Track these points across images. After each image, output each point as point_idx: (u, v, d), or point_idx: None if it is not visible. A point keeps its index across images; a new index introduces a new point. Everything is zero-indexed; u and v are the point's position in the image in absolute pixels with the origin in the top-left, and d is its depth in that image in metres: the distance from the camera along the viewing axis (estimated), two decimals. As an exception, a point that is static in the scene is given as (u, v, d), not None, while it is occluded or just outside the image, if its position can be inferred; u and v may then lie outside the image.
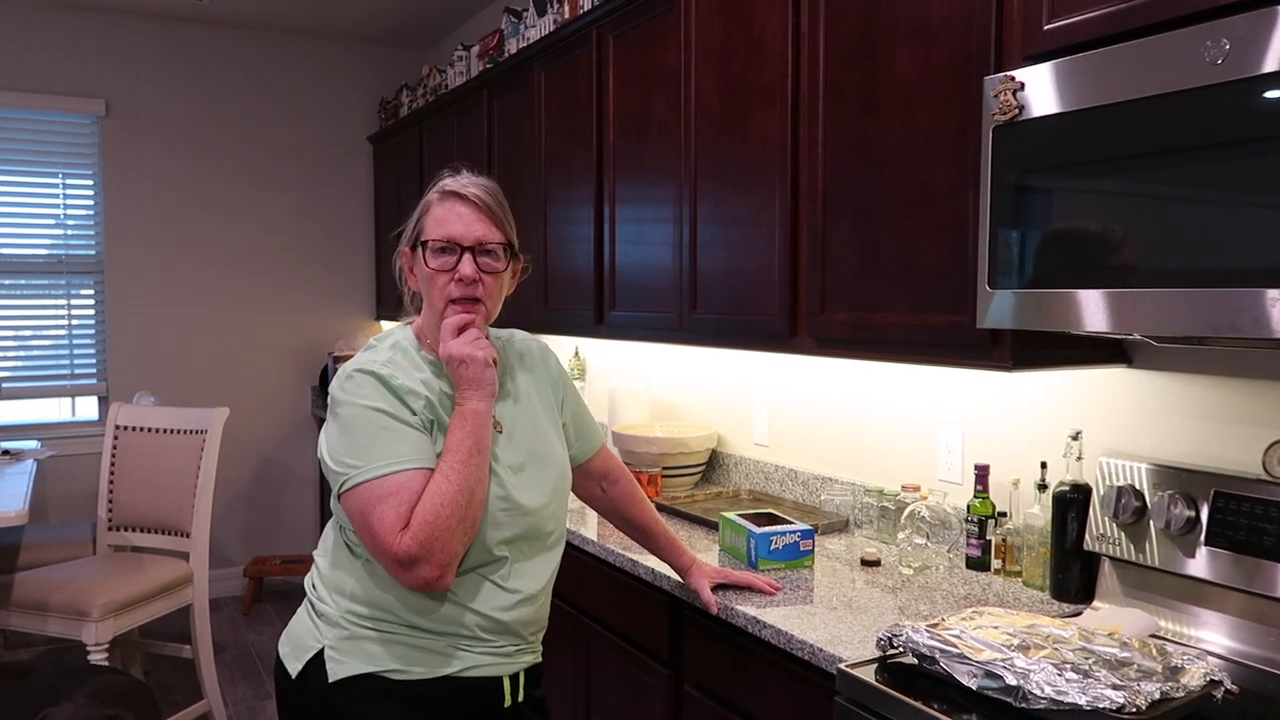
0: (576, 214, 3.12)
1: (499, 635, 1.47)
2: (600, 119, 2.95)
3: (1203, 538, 1.60)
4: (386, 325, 5.36)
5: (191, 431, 3.37)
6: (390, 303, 5.02)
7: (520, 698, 1.53)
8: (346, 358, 4.81)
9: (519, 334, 1.69)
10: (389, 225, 5.00)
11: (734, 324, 2.38)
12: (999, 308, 1.59)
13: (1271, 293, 1.21)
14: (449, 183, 1.51)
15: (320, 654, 1.42)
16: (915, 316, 1.86)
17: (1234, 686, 1.39)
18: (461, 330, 1.42)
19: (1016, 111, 1.55)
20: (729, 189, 2.36)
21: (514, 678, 1.51)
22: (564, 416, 1.68)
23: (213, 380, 4.89)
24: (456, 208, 1.47)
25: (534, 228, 3.40)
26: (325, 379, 4.95)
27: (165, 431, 3.41)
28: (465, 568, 1.42)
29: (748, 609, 1.78)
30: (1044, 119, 1.51)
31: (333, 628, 1.43)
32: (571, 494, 1.69)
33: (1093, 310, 1.44)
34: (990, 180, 1.60)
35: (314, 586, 1.52)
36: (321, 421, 4.96)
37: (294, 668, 1.45)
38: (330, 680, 1.41)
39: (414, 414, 1.40)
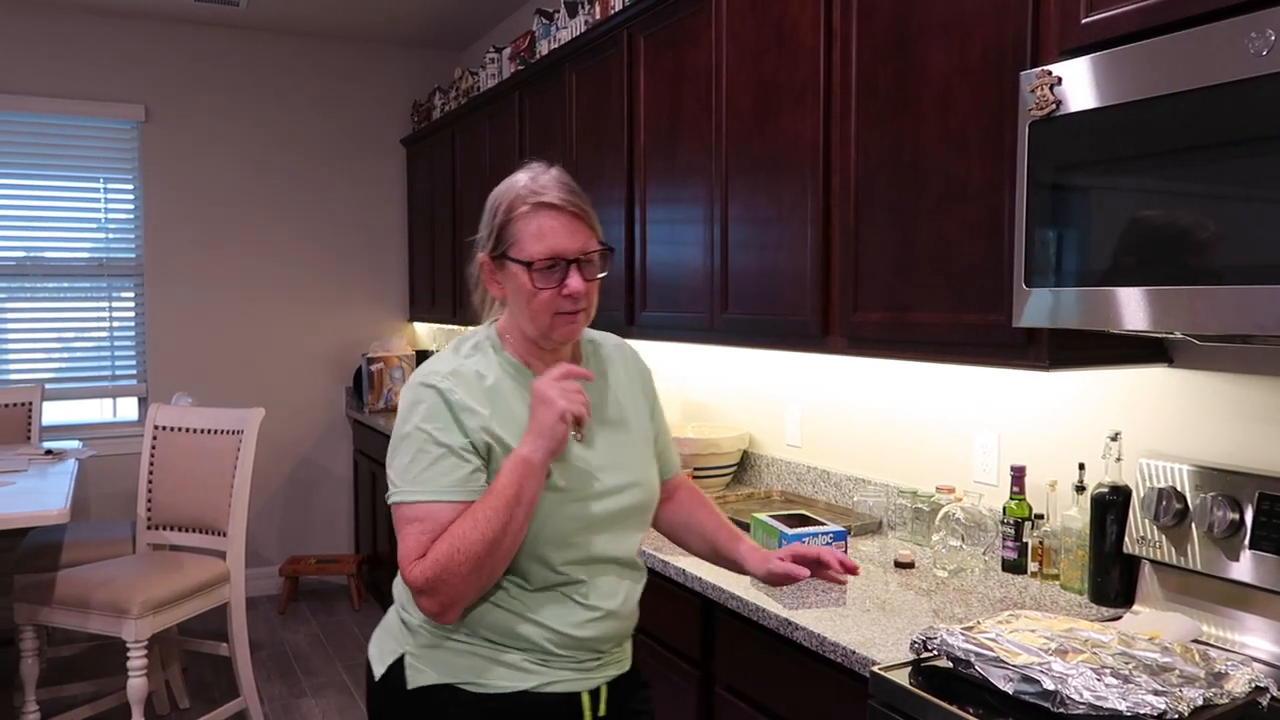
0: (607, 214, 3.11)
1: (576, 650, 1.41)
2: (631, 120, 2.95)
3: (1247, 541, 1.57)
4: (419, 327, 5.41)
5: (228, 432, 3.41)
6: (424, 305, 5.06)
7: (602, 711, 1.46)
8: (380, 359, 4.86)
9: (611, 338, 1.62)
10: (422, 227, 5.04)
11: (766, 324, 2.36)
12: (1036, 306, 1.57)
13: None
14: (536, 189, 1.40)
15: (401, 659, 1.43)
16: (950, 316, 1.84)
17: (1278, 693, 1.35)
18: (565, 376, 1.33)
19: (1053, 107, 1.53)
20: (760, 189, 2.35)
21: (595, 692, 1.45)
22: (653, 427, 1.59)
23: (249, 381, 4.95)
24: (553, 219, 1.37)
25: (565, 229, 3.40)
26: (359, 380, 5.00)
27: (202, 432, 3.45)
28: (540, 585, 1.38)
29: (778, 610, 1.76)
30: (1081, 114, 1.48)
31: (414, 635, 1.43)
32: None
33: (1133, 308, 1.41)
34: (1026, 177, 1.58)
35: (399, 592, 1.49)
36: (355, 423, 5.03)
37: (378, 670, 1.46)
38: (409, 687, 1.41)
39: (465, 434, 1.35)
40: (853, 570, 1.49)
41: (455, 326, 4.98)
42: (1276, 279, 1.23)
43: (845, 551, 2.05)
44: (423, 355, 5.04)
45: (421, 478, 1.33)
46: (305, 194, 5.06)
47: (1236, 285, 1.28)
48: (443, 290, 4.73)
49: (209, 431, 3.44)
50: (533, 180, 1.42)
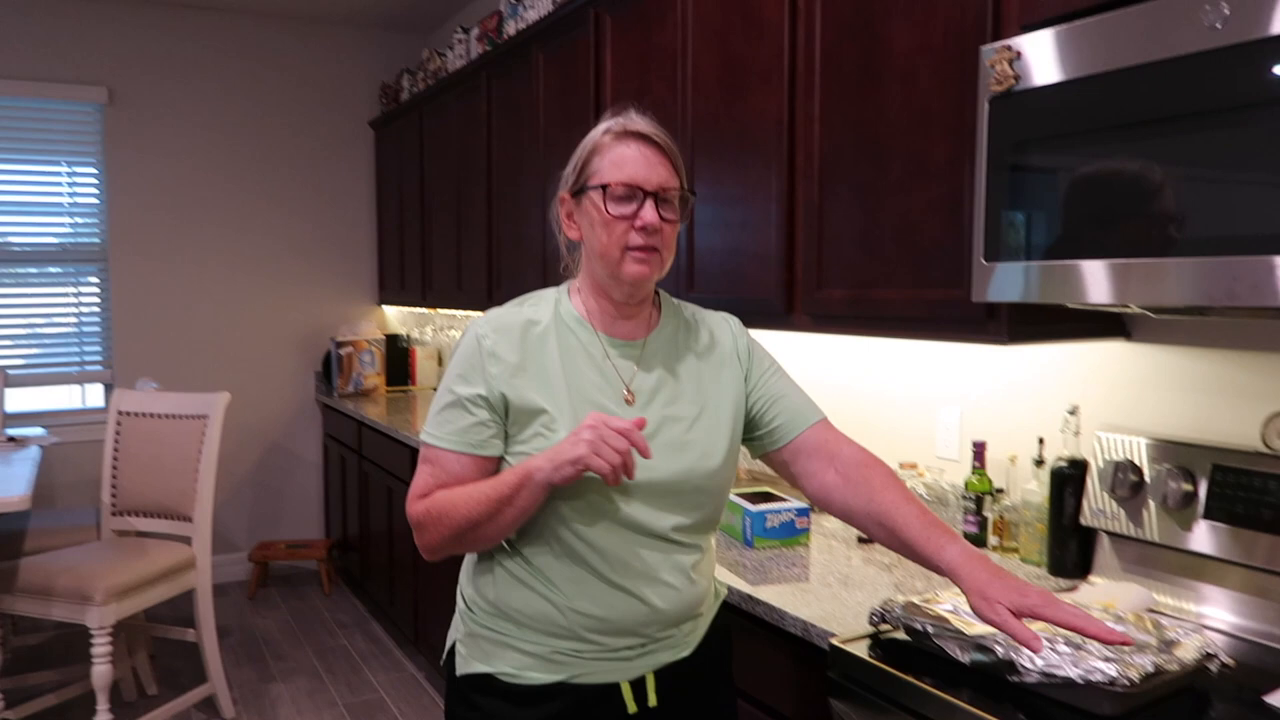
0: (575, 195, 3.09)
1: (613, 636, 1.34)
2: (599, 100, 2.93)
3: (1201, 511, 1.59)
4: (389, 310, 5.37)
5: (193, 416, 3.38)
6: (393, 288, 5.03)
7: (652, 702, 1.38)
8: (349, 343, 4.82)
9: (694, 307, 1.54)
10: (391, 210, 4.99)
11: (731, 303, 2.36)
12: (996, 281, 1.57)
13: (1273, 260, 1.19)
14: (623, 121, 1.37)
15: (455, 646, 1.46)
16: (912, 292, 1.85)
17: (1230, 660, 1.37)
18: (622, 431, 1.22)
19: (1013, 81, 1.53)
20: (726, 167, 2.34)
21: (638, 682, 1.38)
22: (748, 393, 1.47)
23: (217, 366, 4.90)
24: (635, 149, 1.34)
25: (534, 210, 3.39)
26: (329, 364, 4.96)
27: (167, 417, 3.41)
28: (565, 555, 1.34)
29: (741, 585, 1.77)
30: (1041, 89, 1.49)
31: (464, 624, 1.45)
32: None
33: (1090, 282, 1.42)
34: (986, 152, 1.58)
35: (461, 577, 1.50)
36: (325, 408, 4.99)
37: (445, 654, 1.50)
38: (457, 674, 1.44)
39: (484, 384, 1.34)
40: (1121, 641, 1.16)
41: (425, 310, 4.95)
42: (1229, 250, 1.24)
43: (809, 527, 2.06)
44: (392, 339, 5.01)
45: (436, 420, 1.38)
46: (273, 177, 5.00)
47: (1193, 257, 1.29)
48: (412, 273, 4.70)
49: (173, 417, 3.41)
50: (628, 118, 1.39)
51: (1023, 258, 1.52)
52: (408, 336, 5.10)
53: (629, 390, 1.39)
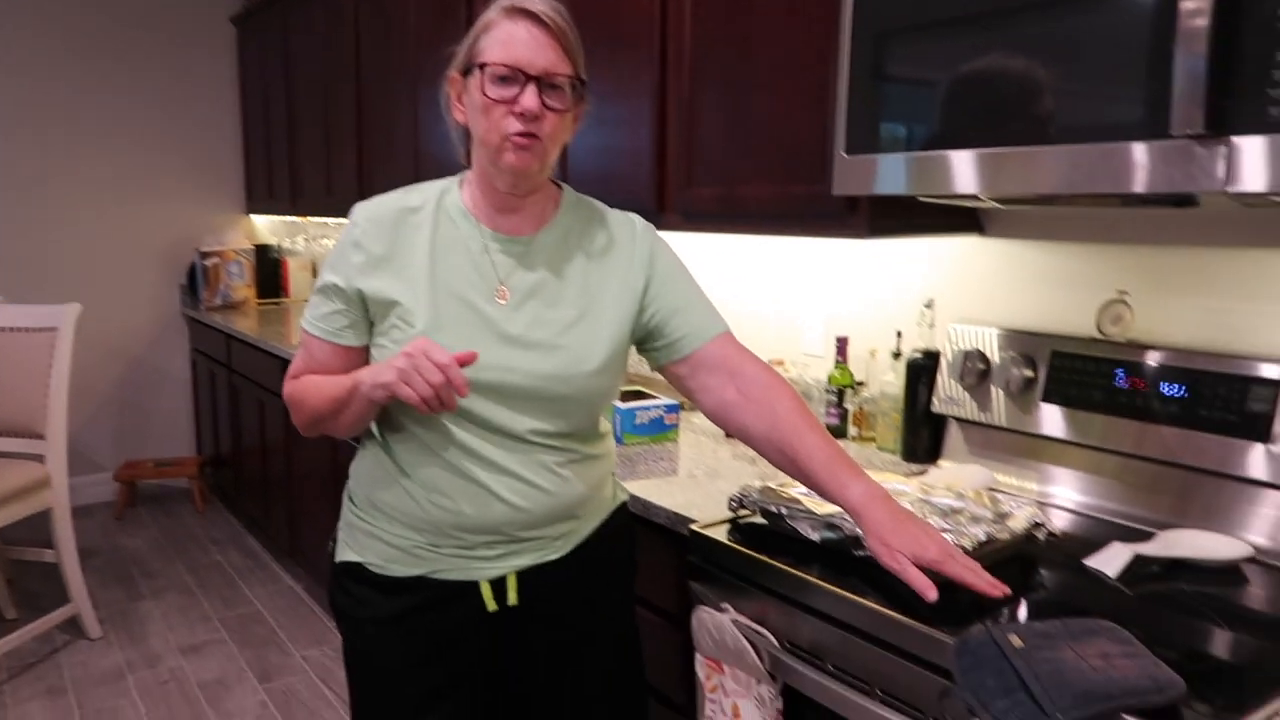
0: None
1: (473, 534, 1.32)
2: (467, -10, 2.80)
3: (1040, 396, 1.67)
4: (258, 220, 5.13)
5: (40, 330, 3.17)
6: (261, 195, 4.79)
7: (512, 601, 1.36)
8: (215, 254, 4.60)
9: (601, 206, 1.44)
10: (256, 113, 4.73)
11: (604, 201, 2.33)
12: (855, 174, 1.59)
13: (1127, 146, 1.22)
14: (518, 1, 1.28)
15: (338, 533, 1.47)
16: (778, 188, 1.85)
17: (1055, 529, 1.47)
18: (442, 364, 1.17)
19: (872, -31, 1.52)
20: (599, 63, 2.28)
21: (499, 582, 1.35)
22: (645, 303, 1.39)
23: (71, 280, 4.60)
24: (524, 28, 1.25)
25: (405, 112, 3.25)
26: (194, 277, 4.72)
27: (11, 330, 3.20)
28: (424, 451, 1.32)
29: (609, 480, 1.79)
30: (897, -24, 1.48)
31: (345, 513, 1.46)
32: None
33: (947, 172, 1.44)
34: (850, 44, 1.58)
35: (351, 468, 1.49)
36: (192, 321, 4.77)
37: (332, 540, 1.49)
38: (335, 560, 1.44)
39: (345, 272, 1.32)
40: (1002, 593, 1.18)
41: (296, 219, 4.75)
42: (1083, 138, 1.27)
43: (678, 424, 2.09)
44: (262, 249, 4.79)
45: (310, 303, 1.38)
46: (126, 78, 4.64)
47: (1045, 145, 1.31)
48: (280, 180, 4.48)
49: (18, 330, 3.19)
50: None
51: (882, 150, 1.54)
52: (279, 247, 4.89)
53: (503, 287, 1.33)
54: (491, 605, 1.35)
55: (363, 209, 1.35)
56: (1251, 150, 1.09)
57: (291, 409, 1.40)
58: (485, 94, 1.25)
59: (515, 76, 1.25)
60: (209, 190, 4.94)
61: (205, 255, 4.59)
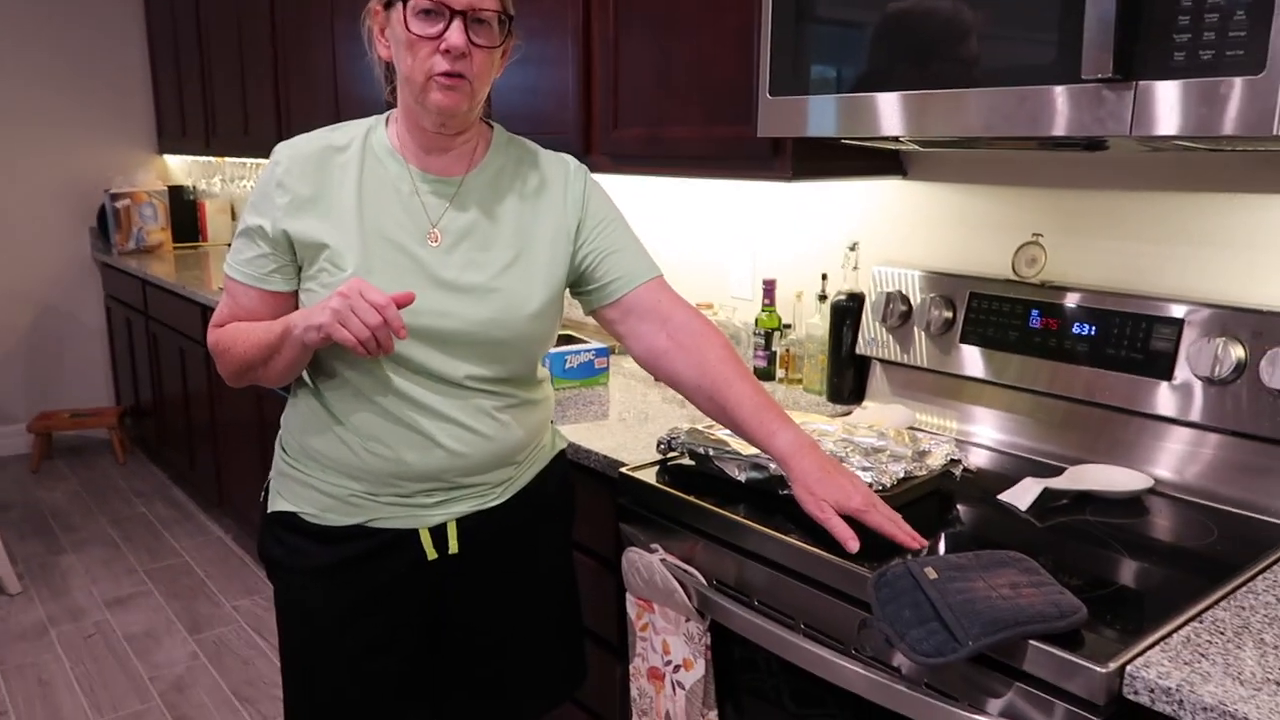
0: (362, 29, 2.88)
1: (411, 481, 1.31)
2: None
3: (958, 337, 1.72)
4: (172, 160, 4.94)
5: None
6: (173, 135, 4.59)
7: (453, 549, 1.35)
8: (126, 195, 4.42)
9: (533, 146, 1.41)
10: (165, 48, 4.51)
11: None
12: (779, 116, 1.59)
13: (1041, 90, 1.24)
14: None
15: (270, 483, 1.43)
16: (704, 130, 1.85)
17: (972, 465, 1.52)
18: (379, 304, 1.14)
19: (797, -93, 1.50)
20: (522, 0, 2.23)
21: (439, 529, 1.34)
22: (578, 245, 1.38)
23: (-30, 222, 4.39)
24: None
25: (323, 44, 3.14)
26: (104, 219, 4.53)
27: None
28: (359, 398, 1.29)
29: (539, 425, 1.79)
30: (822, -85, 1.47)
31: (278, 461, 1.42)
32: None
33: (868, 114, 1.45)
34: (773, -17, 1.56)
35: (283, 418, 1.45)
36: (104, 267, 4.59)
37: (263, 490, 1.46)
38: (269, 510, 1.41)
39: (270, 214, 1.27)
40: (920, 545, 1.23)
41: (212, 159, 4.58)
42: (1002, 81, 1.28)
43: (608, 368, 2.10)
44: (177, 191, 4.62)
45: (233, 247, 1.34)
46: (21, 11, 4.38)
47: (965, 88, 1.32)
48: (194, 118, 4.30)
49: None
50: None
51: (807, 92, 1.54)
52: (194, 188, 4.71)
53: (435, 229, 1.30)
54: (432, 553, 1.35)
55: (285, 148, 1.30)
56: (1156, 95, 1.12)
57: (217, 358, 1.36)
58: (409, 29, 1.21)
59: (440, 11, 1.20)
60: (117, 129, 4.72)
61: (115, 197, 4.40)
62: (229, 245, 4.68)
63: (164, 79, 4.60)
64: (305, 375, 1.36)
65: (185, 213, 4.65)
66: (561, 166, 1.41)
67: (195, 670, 2.73)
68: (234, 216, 4.77)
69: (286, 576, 1.38)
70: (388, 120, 1.35)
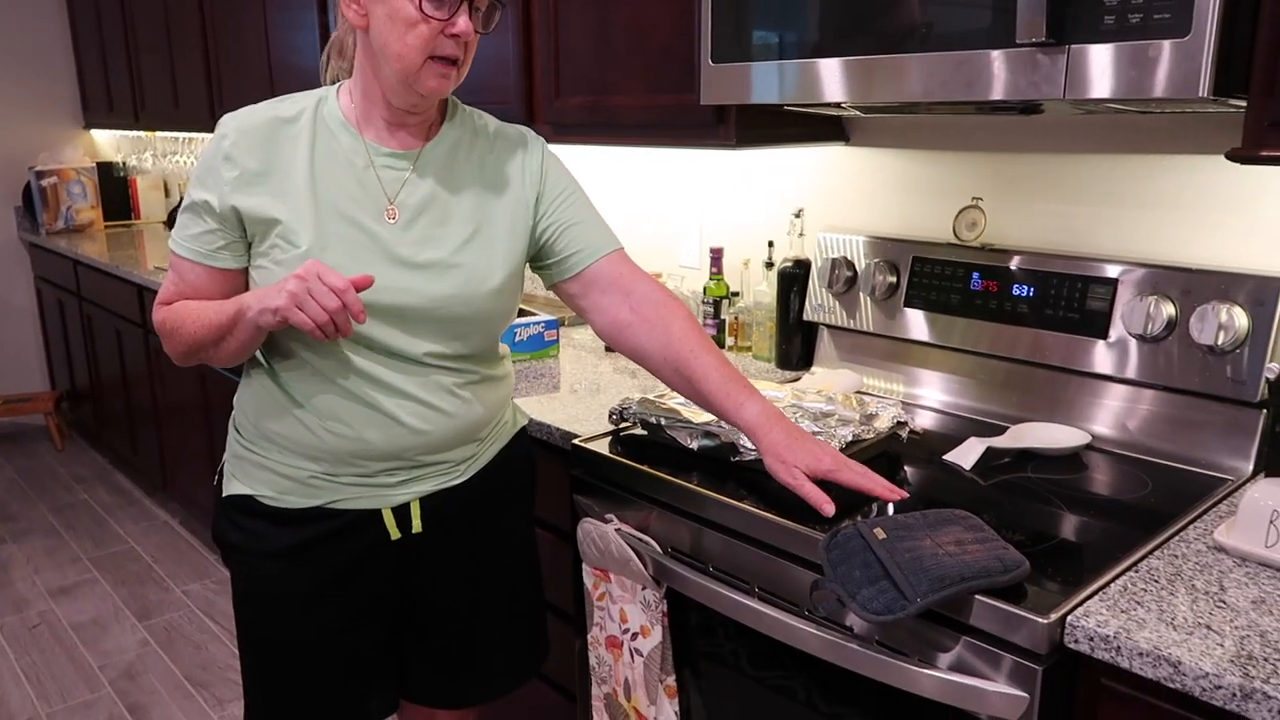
0: (298, -3, 2.81)
1: (373, 461, 1.29)
2: (314, -116, 2.62)
3: (903, 301, 1.74)
4: (99, 135, 4.78)
5: None
6: (99, 109, 4.44)
7: (417, 528, 1.35)
8: (53, 173, 4.27)
9: (489, 118, 1.40)
10: (87, 16, 4.34)
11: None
12: (721, 83, 1.59)
13: (977, 54, 1.25)
14: None
15: (224, 465, 1.40)
16: (647, 98, 1.84)
17: (918, 427, 1.55)
18: (337, 289, 1.12)
19: (735, -128, 1.49)
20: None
21: (402, 509, 1.33)
22: (538, 219, 1.36)
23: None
24: None
25: (253, 16, 3.05)
26: (29, 197, 4.37)
27: None
28: (316, 377, 1.27)
29: (490, 399, 1.79)
30: (761, -120, 1.46)
31: (232, 444, 1.38)
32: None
33: (810, 81, 1.46)
34: (713, -51, 1.55)
35: (235, 399, 1.41)
36: (32, 247, 4.44)
37: (216, 473, 1.42)
38: (224, 494, 1.37)
39: (218, 188, 1.23)
40: (899, 496, 1.25)
41: (142, 134, 4.44)
42: (940, 46, 1.29)
43: (558, 339, 2.09)
44: (106, 168, 4.47)
45: (178, 223, 1.29)
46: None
47: (904, 54, 1.33)
48: (121, 91, 4.16)
49: None
50: None
51: (748, 59, 1.54)
52: (124, 164, 4.57)
53: (392, 205, 1.27)
54: (395, 533, 1.34)
55: (232, 120, 1.26)
56: (1088, 58, 1.15)
57: (164, 338, 1.32)
58: (421, 10, 1.17)
59: None
60: (39, 104, 4.55)
61: (42, 175, 4.26)
62: (163, 223, 4.57)
63: (87, 51, 4.44)
64: (259, 355, 1.33)
65: (116, 190, 4.51)
66: (519, 138, 1.39)
67: (146, 657, 2.69)
68: (167, 193, 4.64)
69: (245, 560, 1.36)
70: (339, 91, 1.31)
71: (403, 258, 1.26)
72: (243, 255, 1.28)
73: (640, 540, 1.42)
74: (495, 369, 1.39)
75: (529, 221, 1.36)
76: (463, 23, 1.19)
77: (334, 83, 1.35)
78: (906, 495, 1.27)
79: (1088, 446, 1.50)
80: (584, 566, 1.51)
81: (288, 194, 1.24)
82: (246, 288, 1.28)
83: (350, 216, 1.25)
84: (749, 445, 1.37)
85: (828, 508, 1.22)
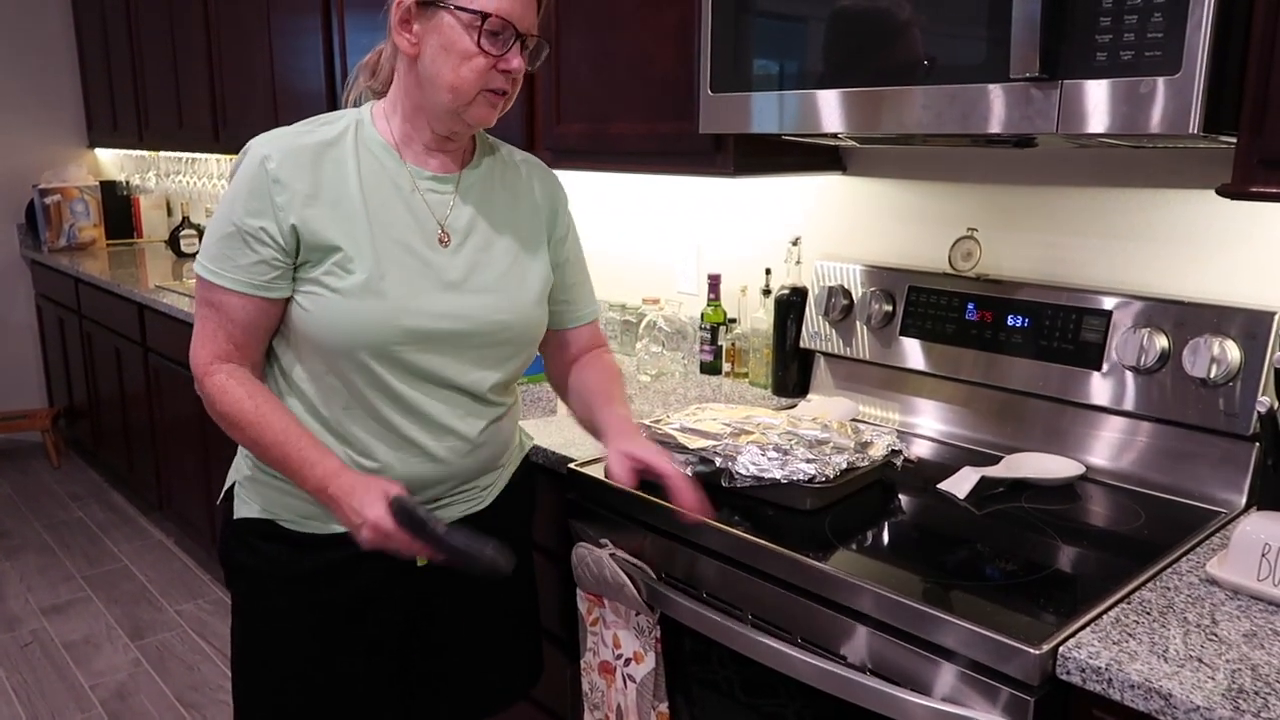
0: (303, 23, 2.84)
1: (410, 492, 1.28)
2: (322, -88, 2.66)
3: (899, 330, 1.75)
4: (103, 154, 4.81)
5: None
6: (104, 128, 4.47)
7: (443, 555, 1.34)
8: (56, 191, 4.29)
9: (505, 144, 1.43)
10: (94, 37, 4.38)
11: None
12: (720, 112, 1.60)
13: (973, 88, 1.27)
14: None
15: (233, 487, 1.37)
16: (646, 126, 1.86)
17: (913, 455, 1.56)
18: (403, 546, 1.18)
19: (736, -94, 1.52)
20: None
21: None
22: (554, 256, 1.42)
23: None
24: None
25: (258, 37, 3.08)
26: (32, 215, 4.40)
27: None
28: (358, 408, 1.26)
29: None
30: (761, -86, 1.49)
31: (246, 465, 1.35)
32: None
33: (807, 111, 1.47)
34: (713, -19, 1.58)
35: None
36: (34, 265, 4.46)
37: (222, 494, 1.40)
38: (234, 517, 1.35)
39: (272, 214, 1.19)
40: (704, 518, 1.30)
41: (146, 153, 4.47)
42: (936, 80, 1.31)
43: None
44: (109, 186, 4.50)
45: (215, 251, 1.23)
46: (-65, -8, 4.23)
47: (901, 86, 1.35)
48: (125, 111, 4.19)
49: None
50: None
51: (747, 89, 1.55)
52: (127, 183, 4.60)
53: (444, 230, 1.28)
54: (422, 560, 1.30)
55: (269, 143, 1.22)
56: (1081, 94, 1.16)
57: (213, 406, 1.24)
58: (480, 45, 1.19)
59: (508, 32, 1.21)
60: (44, 122, 4.58)
61: (45, 193, 4.28)
62: (164, 242, 4.58)
63: (93, 70, 4.48)
64: (285, 381, 1.30)
65: (119, 209, 4.53)
66: (542, 169, 1.45)
67: (138, 677, 2.68)
68: (169, 212, 4.66)
69: (257, 584, 1.34)
70: (373, 115, 1.30)
71: (455, 282, 1.27)
72: (291, 283, 1.24)
73: (635, 566, 1.42)
74: (512, 395, 1.43)
75: (548, 249, 1.42)
76: (515, 60, 1.22)
77: (357, 103, 1.35)
78: (705, 520, 1.30)
79: (1082, 477, 1.50)
80: (578, 591, 1.51)
81: (342, 219, 1.22)
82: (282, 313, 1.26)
83: (404, 242, 1.25)
84: (743, 471, 1.37)
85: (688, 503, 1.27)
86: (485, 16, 1.18)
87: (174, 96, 3.73)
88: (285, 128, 1.26)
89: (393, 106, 1.29)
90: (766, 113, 1.53)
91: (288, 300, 1.24)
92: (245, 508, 1.34)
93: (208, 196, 4.11)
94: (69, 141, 4.66)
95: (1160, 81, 1.10)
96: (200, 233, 4.02)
